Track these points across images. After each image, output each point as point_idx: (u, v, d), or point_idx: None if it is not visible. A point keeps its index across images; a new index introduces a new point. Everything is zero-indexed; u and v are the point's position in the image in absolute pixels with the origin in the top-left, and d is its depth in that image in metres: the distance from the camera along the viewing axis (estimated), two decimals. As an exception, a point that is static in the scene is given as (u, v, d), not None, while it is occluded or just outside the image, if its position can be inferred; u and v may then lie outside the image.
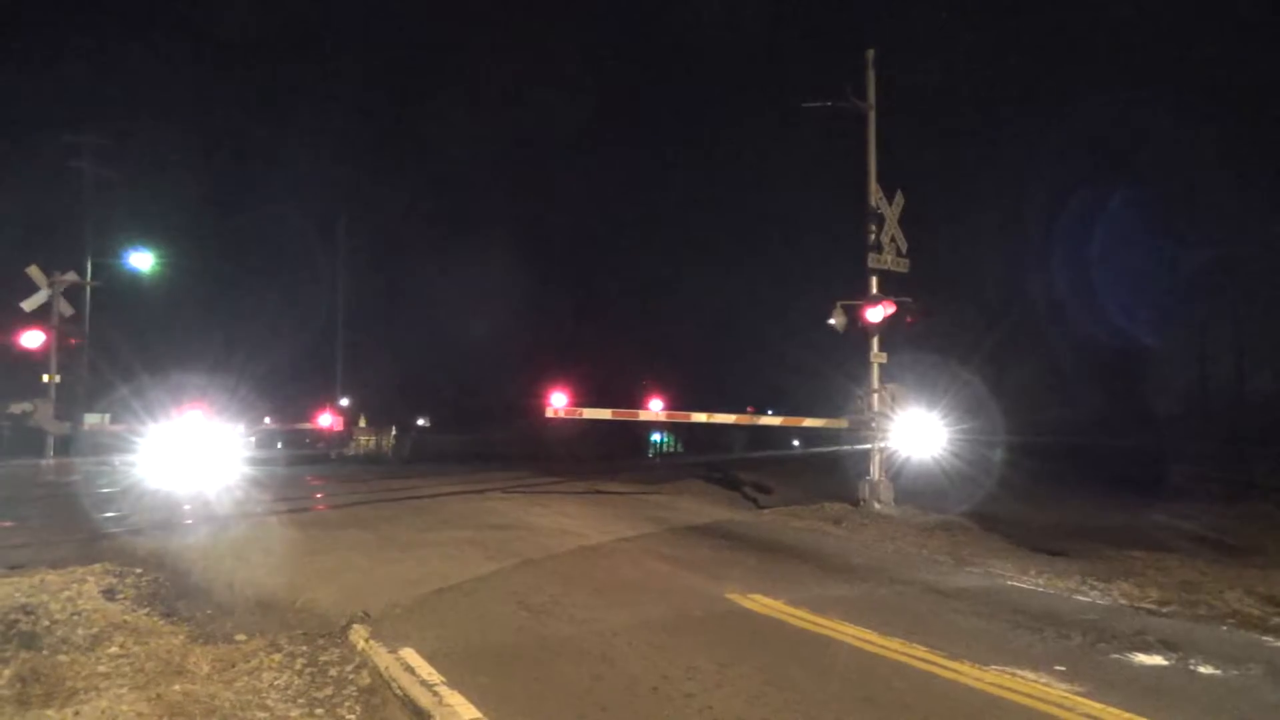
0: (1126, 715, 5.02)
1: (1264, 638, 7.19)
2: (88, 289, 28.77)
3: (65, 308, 24.12)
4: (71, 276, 24.86)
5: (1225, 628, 7.52)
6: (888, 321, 15.83)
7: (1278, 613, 7.97)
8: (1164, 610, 8.10)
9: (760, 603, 7.80)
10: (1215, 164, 36.69)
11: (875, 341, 16.08)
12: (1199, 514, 18.34)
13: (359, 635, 6.32)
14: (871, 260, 15.95)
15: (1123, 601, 8.47)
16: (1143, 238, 37.57)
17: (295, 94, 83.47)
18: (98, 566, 8.35)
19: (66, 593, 7.27)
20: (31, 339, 22.79)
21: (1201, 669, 6.10)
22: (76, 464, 24.58)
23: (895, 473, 16.10)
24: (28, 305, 23.33)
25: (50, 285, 23.42)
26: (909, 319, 15.89)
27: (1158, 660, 6.30)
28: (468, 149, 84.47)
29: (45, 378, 23.78)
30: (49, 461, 23.54)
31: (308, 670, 5.63)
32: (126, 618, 6.73)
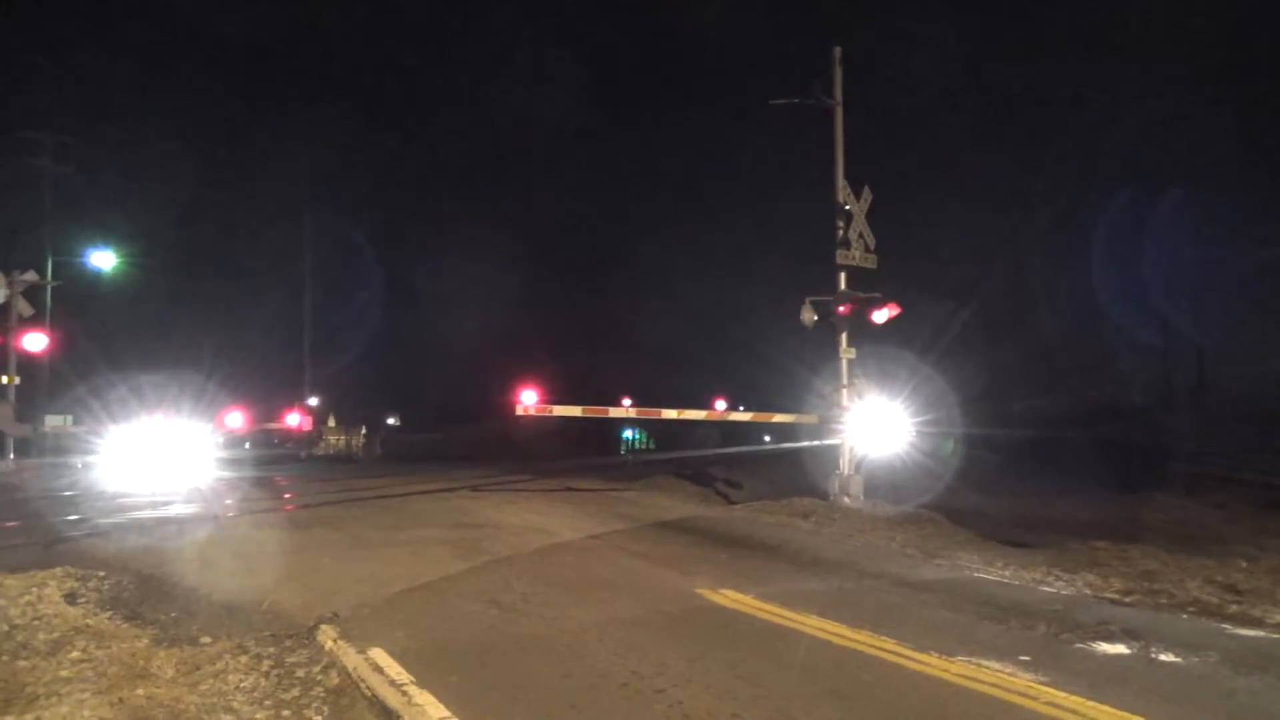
0: (1089, 703, 5.10)
1: (1223, 625, 7.33)
2: (48, 289, 28.25)
3: (25, 308, 23.68)
4: (31, 276, 24.40)
5: (1186, 616, 7.65)
6: (856, 317, 15.95)
7: (1236, 600, 8.12)
8: (1127, 600, 8.22)
9: (731, 598, 7.84)
10: (1196, 162, 37.40)
11: (844, 337, 16.18)
12: (1162, 505, 18.65)
13: (327, 636, 6.27)
14: (840, 256, 16.04)
15: (1087, 592, 8.60)
16: (1114, 233, 38.17)
17: (266, 90, 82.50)
18: (59, 570, 8.21)
19: (26, 597, 7.14)
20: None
21: (1162, 657, 6.21)
22: (37, 466, 24.15)
23: (858, 465, 16.21)
24: (-15, 305, 22.87)
25: (9, 285, 22.97)
26: (873, 313, 16.00)
27: (1120, 649, 6.40)
28: (439, 148, 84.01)
29: (4, 379, 23.35)
30: (9, 463, 23.10)
31: (274, 672, 5.57)
32: (89, 621, 6.62)
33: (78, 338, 33.57)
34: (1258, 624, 7.35)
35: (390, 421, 55.67)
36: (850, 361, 16.22)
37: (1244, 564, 10.08)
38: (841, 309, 15.94)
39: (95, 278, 30.65)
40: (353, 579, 8.49)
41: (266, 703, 5.06)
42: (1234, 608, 7.88)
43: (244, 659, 5.78)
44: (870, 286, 16.12)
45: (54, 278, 28.65)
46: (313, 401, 44.35)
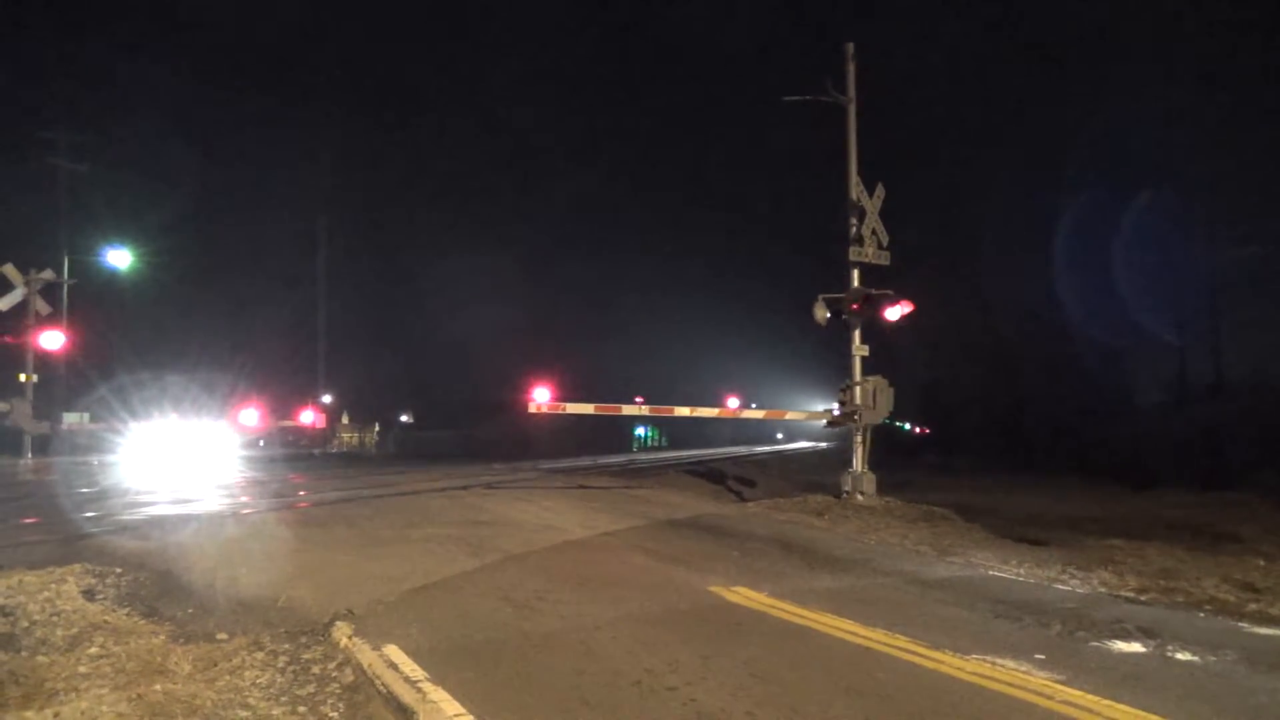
0: (1105, 702, 5.07)
1: (1240, 624, 7.28)
2: (65, 287, 28.46)
3: (42, 306, 23.88)
4: (48, 274, 24.61)
5: (1202, 615, 7.60)
6: (869, 314, 15.91)
7: (1253, 599, 8.07)
8: (1142, 598, 8.18)
9: (744, 595, 7.83)
10: (1201, 162, 37.16)
11: (856, 334, 16.15)
12: (1177, 502, 18.55)
13: (342, 632, 6.29)
14: (852, 253, 16.01)
15: (1102, 590, 8.56)
16: (1123, 232, 37.91)
17: (282, 91, 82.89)
18: (77, 566, 8.28)
19: (45, 593, 7.20)
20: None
21: (1179, 656, 6.17)
22: (55, 463, 24.35)
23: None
24: (2, 304, 23.08)
25: (26, 283, 23.16)
26: (886, 310, 15.96)
27: (1136, 647, 6.37)
28: (456, 148, 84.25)
29: (22, 377, 23.55)
30: (27, 461, 23.32)
31: (290, 668, 5.60)
32: (106, 618, 6.67)
33: (94, 337, 33.82)
34: (1276, 623, 7.30)
35: (403, 419, 55.86)
36: (864, 359, 16.18)
37: (1261, 562, 10.03)
38: (854, 306, 15.90)
39: (112, 277, 30.91)
40: (367, 576, 8.52)
41: (282, 699, 5.09)
42: (1251, 606, 7.83)
43: (260, 655, 5.81)
44: (883, 283, 16.08)
45: (70, 276, 28.87)
46: (327, 399, 44.56)
